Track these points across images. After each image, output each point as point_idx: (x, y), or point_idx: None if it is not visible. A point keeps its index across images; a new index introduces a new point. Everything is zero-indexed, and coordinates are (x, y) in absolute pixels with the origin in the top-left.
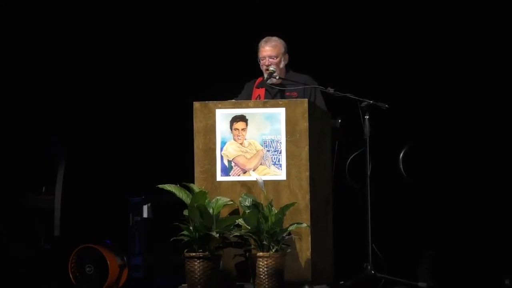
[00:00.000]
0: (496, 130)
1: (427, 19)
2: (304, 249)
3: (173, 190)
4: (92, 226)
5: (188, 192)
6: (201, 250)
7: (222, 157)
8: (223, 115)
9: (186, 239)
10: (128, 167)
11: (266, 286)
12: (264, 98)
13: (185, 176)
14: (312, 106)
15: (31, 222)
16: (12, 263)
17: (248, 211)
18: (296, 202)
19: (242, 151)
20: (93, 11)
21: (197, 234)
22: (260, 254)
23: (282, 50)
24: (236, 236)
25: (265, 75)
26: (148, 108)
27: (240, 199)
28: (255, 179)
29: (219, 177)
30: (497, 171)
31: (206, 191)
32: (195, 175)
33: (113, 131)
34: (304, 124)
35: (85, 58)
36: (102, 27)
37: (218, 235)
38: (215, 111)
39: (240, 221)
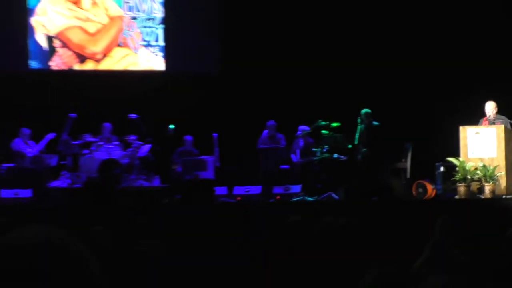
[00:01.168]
0: None
1: None
2: (502, 182)
3: (453, 160)
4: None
5: (459, 161)
6: (463, 183)
7: (469, 149)
8: (471, 131)
9: (457, 178)
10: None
11: (488, 196)
12: (488, 125)
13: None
14: (505, 127)
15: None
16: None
17: (481, 167)
18: (499, 165)
19: (477, 145)
20: None
21: (461, 176)
22: (486, 184)
23: (495, 105)
24: (477, 177)
25: (487, 116)
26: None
27: (477, 163)
28: (483, 157)
29: (470, 155)
30: None
31: (464, 161)
32: (461, 155)
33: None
34: (502, 135)
35: None
36: None
37: (469, 177)
38: (467, 130)
39: (477, 172)
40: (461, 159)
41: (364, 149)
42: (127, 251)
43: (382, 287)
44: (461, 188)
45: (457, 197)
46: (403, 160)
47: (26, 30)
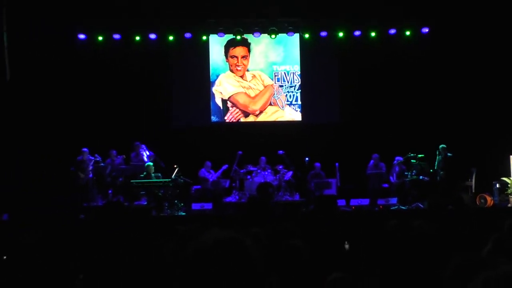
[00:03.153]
0: None
1: None
2: None
3: (506, 179)
4: None
5: (510, 180)
6: None
7: None
8: None
9: (509, 192)
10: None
11: None
12: None
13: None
14: None
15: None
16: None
17: None
18: None
19: None
20: None
21: None
22: None
23: None
24: None
25: None
26: None
27: None
28: None
29: None
30: None
31: None
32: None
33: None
34: None
35: None
36: None
37: None
38: None
39: None
40: None
41: (442, 172)
42: (277, 246)
43: (464, 269)
44: None
45: (509, 205)
46: (470, 179)
47: (209, 95)
